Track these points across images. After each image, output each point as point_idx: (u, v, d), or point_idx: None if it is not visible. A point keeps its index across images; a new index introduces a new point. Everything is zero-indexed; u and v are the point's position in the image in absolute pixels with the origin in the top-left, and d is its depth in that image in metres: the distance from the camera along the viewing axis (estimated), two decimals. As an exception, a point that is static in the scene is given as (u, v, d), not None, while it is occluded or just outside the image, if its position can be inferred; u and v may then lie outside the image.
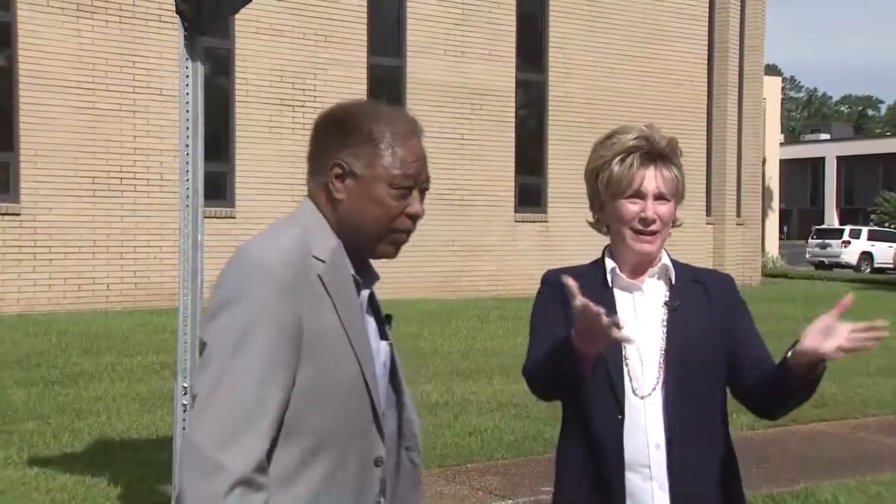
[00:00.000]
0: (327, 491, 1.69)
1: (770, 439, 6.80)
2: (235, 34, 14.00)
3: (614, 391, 2.07)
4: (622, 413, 2.06)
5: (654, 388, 2.07)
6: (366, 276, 1.81)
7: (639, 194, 2.11)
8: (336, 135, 1.75)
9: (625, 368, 2.08)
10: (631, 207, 2.12)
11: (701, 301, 2.15)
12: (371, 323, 1.82)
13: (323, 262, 1.70)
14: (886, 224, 35.32)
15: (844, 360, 8.41)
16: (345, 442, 1.70)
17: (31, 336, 10.20)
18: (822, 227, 38.35)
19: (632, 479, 2.05)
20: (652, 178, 2.10)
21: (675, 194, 2.14)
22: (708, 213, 19.06)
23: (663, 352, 2.09)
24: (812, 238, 34.30)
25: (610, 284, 2.17)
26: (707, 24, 19.29)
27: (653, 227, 2.12)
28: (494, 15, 16.39)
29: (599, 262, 2.22)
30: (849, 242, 32.65)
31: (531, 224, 16.80)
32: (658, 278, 2.18)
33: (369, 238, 1.76)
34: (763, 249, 25.46)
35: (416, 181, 1.76)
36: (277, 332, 1.62)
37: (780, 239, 35.64)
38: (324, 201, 1.76)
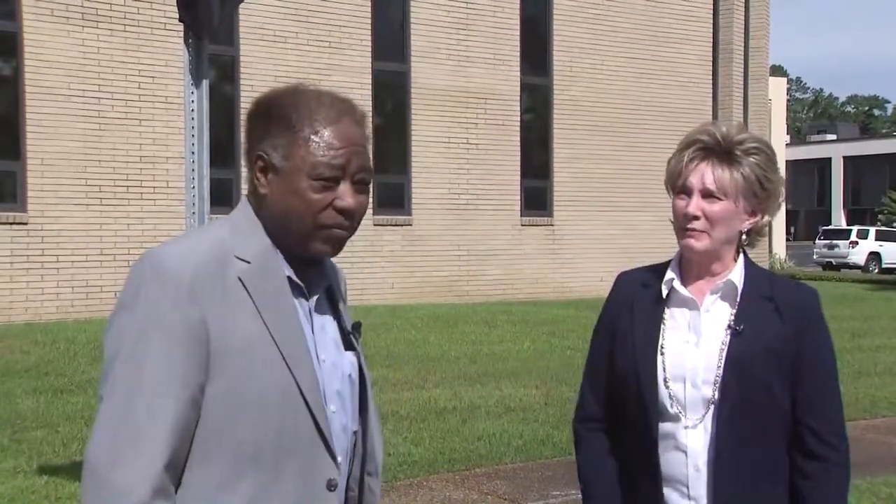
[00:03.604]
0: None
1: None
2: (240, 41, 14.03)
3: (646, 411, 1.98)
4: (655, 433, 1.98)
5: (705, 415, 1.95)
6: (313, 280, 1.64)
7: (685, 189, 2.00)
8: (259, 125, 1.61)
9: (664, 390, 1.98)
10: (678, 203, 2.01)
11: (771, 321, 1.97)
12: (328, 332, 1.65)
13: (247, 262, 1.55)
14: (894, 224, 35.22)
15: (853, 360, 8.49)
16: (276, 462, 1.53)
17: (39, 345, 10.22)
18: (830, 227, 38.23)
19: (669, 494, 1.99)
20: (700, 173, 1.97)
21: (733, 194, 1.97)
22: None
23: (718, 378, 1.94)
24: (819, 239, 34.20)
25: (664, 297, 2.04)
26: (711, 25, 19.27)
27: (695, 225, 1.97)
28: (498, 19, 16.40)
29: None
30: (856, 243, 32.55)
31: (537, 228, 16.78)
32: (723, 296, 2.01)
33: (297, 236, 1.58)
34: (770, 251, 25.40)
35: (345, 171, 1.57)
36: (172, 335, 1.47)
37: (788, 240, 35.55)
38: (255, 198, 1.62)
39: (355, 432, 1.68)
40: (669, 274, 2.05)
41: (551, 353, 10.33)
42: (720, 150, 1.97)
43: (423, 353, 9.93)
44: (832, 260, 32.42)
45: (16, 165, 12.60)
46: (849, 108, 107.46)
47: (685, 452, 1.96)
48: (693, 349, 1.97)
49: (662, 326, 2.01)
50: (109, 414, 1.48)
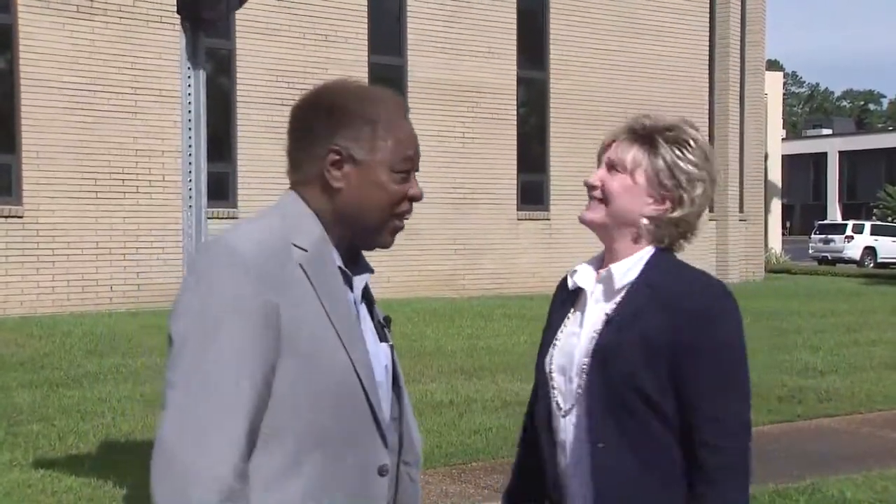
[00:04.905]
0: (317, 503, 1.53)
1: (776, 435, 6.79)
2: (236, 34, 13.99)
3: (542, 404, 1.97)
4: (546, 424, 1.95)
5: (572, 407, 1.90)
6: (356, 271, 1.68)
7: (600, 164, 1.99)
8: (328, 119, 1.61)
9: (550, 382, 1.95)
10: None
11: (652, 313, 1.84)
12: (367, 323, 1.68)
13: (305, 250, 1.57)
14: (889, 218, 35.28)
15: (848, 354, 8.51)
16: (337, 448, 1.55)
17: (35, 338, 10.20)
18: (825, 222, 38.31)
19: (554, 487, 1.95)
20: (615, 148, 1.95)
21: (633, 170, 1.91)
22: (710, 209, 19.03)
23: (584, 369, 1.87)
24: (815, 233, 34.27)
25: (569, 289, 2.00)
26: (708, 19, 19.28)
27: (593, 194, 1.94)
28: (494, 12, 16.38)
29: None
30: (852, 237, 32.61)
31: (534, 222, 16.79)
32: (605, 285, 1.94)
33: (372, 227, 1.64)
34: (766, 245, 25.43)
35: (414, 162, 1.67)
36: (251, 321, 1.48)
37: (783, 234, 35.60)
38: (317, 192, 1.62)
39: (395, 419, 1.71)
40: (579, 264, 2.01)
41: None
42: (643, 135, 1.94)
43: (420, 347, 9.93)
44: (828, 254, 32.48)
45: (11, 158, 12.57)
46: (844, 103, 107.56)
47: (563, 445, 1.92)
48: (575, 340, 1.93)
49: (567, 319, 1.99)
50: (186, 398, 1.46)
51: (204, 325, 1.48)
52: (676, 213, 1.90)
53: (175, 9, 3.95)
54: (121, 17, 13.09)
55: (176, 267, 12.39)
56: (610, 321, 1.87)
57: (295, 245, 1.57)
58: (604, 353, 1.85)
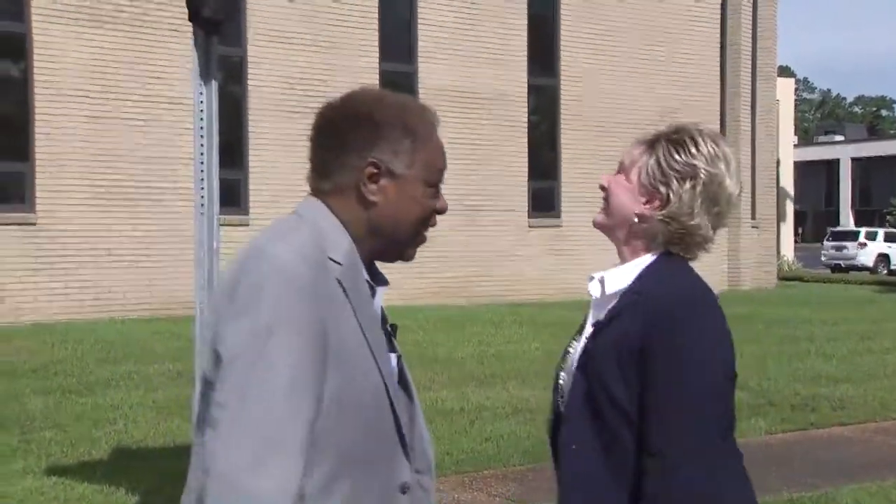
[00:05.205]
0: None
1: (789, 444, 6.75)
2: (247, 42, 14.05)
3: (553, 407, 2.00)
4: (555, 431, 1.97)
5: (559, 407, 1.94)
6: (377, 283, 1.66)
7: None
8: (364, 130, 1.58)
9: (558, 386, 1.99)
10: None
11: (627, 318, 1.83)
12: (382, 332, 1.66)
13: (340, 264, 1.54)
14: (903, 225, 35.08)
15: (862, 362, 8.45)
16: (368, 465, 1.53)
17: (48, 345, 10.24)
18: (838, 229, 38.13)
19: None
20: (625, 152, 1.97)
21: (629, 169, 1.93)
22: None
23: (571, 371, 1.91)
24: (827, 240, 34.12)
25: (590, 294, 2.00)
26: (719, 25, 19.24)
27: (602, 197, 1.97)
28: (505, 19, 16.39)
29: None
30: (865, 244, 32.46)
31: (545, 229, 16.77)
32: (600, 291, 1.95)
33: (403, 240, 1.63)
34: (778, 252, 25.34)
35: (443, 176, 1.66)
36: (302, 338, 1.44)
37: (796, 241, 35.48)
38: (349, 203, 1.59)
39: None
40: (601, 271, 2.01)
41: (559, 354, 10.31)
42: (651, 138, 1.96)
43: (431, 354, 9.92)
44: (840, 262, 32.33)
45: (24, 166, 12.63)
46: (856, 109, 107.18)
47: (560, 448, 1.93)
48: (576, 346, 1.98)
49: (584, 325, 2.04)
50: (242, 418, 1.41)
51: (256, 343, 1.43)
52: (664, 211, 1.88)
53: (187, 17, 3.96)
54: (133, 25, 13.16)
55: (187, 274, 12.41)
56: (594, 327, 1.90)
57: (331, 258, 1.54)
58: (583, 358, 1.88)
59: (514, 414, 7.35)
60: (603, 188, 1.97)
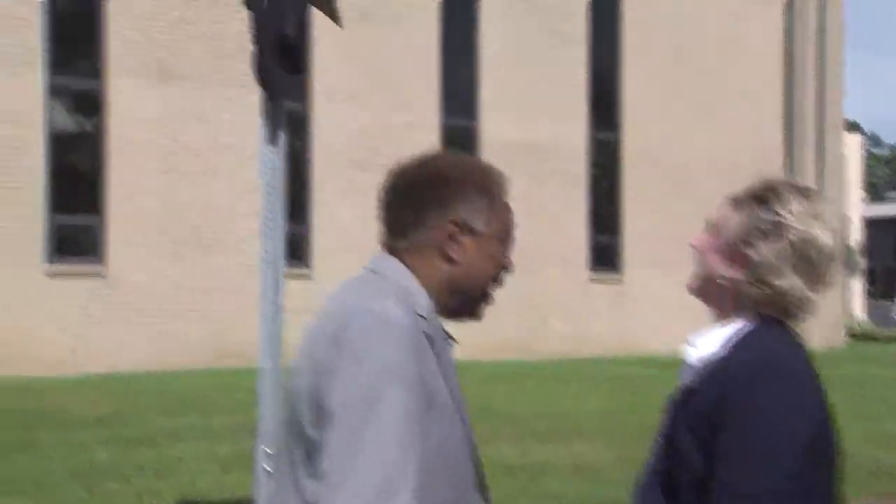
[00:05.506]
0: None
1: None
2: (311, 99, 14.31)
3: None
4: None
5: None
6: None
7: None
8: (444, 191, 1.64)
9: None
10: None
11: (704, 386, 1.77)
12: None
13: (425, 318, 1.59)
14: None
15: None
16: None
17: (114, 395, 10.39)
18: (909, 285, 37.14)
19: None
20: (716, 212, 1.89)
21: (715, 227, 1.86)
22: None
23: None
24: (898, 297, 33.26)
25: None
26: (784, 78, 19.09)
27: (695, 257, 1.90)
28: (566, 73, 16.47)
29: None
30: (937, 301, 31.57)
31: (606, 285, 16.63)
32: (689, 353, 1.87)
33: (477, 298, 1.68)
34: (848, 310, 24.75)
35: (513, 234, 1.72)
36: (412, 393, 1.48)
37: (866, 299, 34.63)
38: (428, 261, 1.63)
39: None
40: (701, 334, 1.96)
41: (622, 411, 10.15)
42: (742, 195, 1.88)
43: (491, 408, 9.84)
44: (912, 319, 31.45)
45: (96, 219, 12.97)
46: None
47: None
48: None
49: None
50: (357, 470, 1.44)
51: (367, 396, 1.46)
52: (751, 273, 1.79)
53: (254, 75, 4.06)
54: (202, 82, 13.51)
55: (251, 326, 12.54)
56: (680, 394, 1.82)
57: (418, 314, 1.58)
58: (667, 425, 1.81)
59: (577, 472, 7.23)
60: (692, 247, 1.90)
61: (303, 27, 3.85)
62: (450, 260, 1.63)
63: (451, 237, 1.63)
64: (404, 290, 1.59)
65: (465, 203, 1.63)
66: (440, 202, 1.63)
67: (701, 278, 1.87)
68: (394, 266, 1.64)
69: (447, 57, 15.56)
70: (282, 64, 3.87)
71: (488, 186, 1.66)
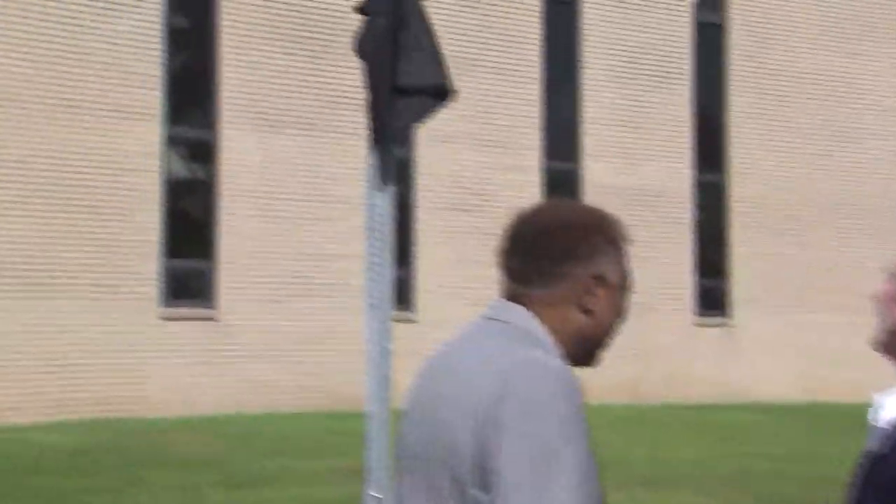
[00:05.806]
0: None
1: None
2: (416, 143, 14.50)
3: None
4: None
5: None
6: None
7: None
8: (585, 243, 1.65)
9: None
10: None
11: (891, 452, 1.66)
12: None
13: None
14: None
15: None
16: None
17: (224, 437, 10.59)
18: None
19: None
20: None
21: None
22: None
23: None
24: None
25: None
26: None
27: (875, 309, 1.74)
28: (670, 115, 16.29)
29: None
30: None
31: (713, 329, 16.25)
32: (876, 413, 1.79)
33: (602, 346, 1.71)
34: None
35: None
36: (583, 444, 1.51)
37: None
38: (560, 311, 1.62)
39: None
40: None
41: (729, 458, 9.86)
42: None
43: (598, 455, 9.68)
44: None
45: (207, 264, 13.35)
46: None
47: None
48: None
49: None
50: None
51: (544, 451, 1.47)
52: None
53: (363, 122, 4.14)
54: (309, 130, 13.85)
55: (354, 370, 12.67)
56: (864, 459, 1.68)
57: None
58: (853, 487, 1.68)
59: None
60: (877, 300, 1.75)
61: (413, 76, 3.90)
62: (586, 311, 1.64)
63: (589, 290, 1.64)
64: (537, 341, 1.59)
65: (603, 256, 1.65)
66: (582, 255, 1.64)
67: (888, 332, 1.72)
68: (522, 314, 1.62)
69: (549, 99, 15.58)
70: (396, 112, 3.93)
71: (617, 237, 1.69)
